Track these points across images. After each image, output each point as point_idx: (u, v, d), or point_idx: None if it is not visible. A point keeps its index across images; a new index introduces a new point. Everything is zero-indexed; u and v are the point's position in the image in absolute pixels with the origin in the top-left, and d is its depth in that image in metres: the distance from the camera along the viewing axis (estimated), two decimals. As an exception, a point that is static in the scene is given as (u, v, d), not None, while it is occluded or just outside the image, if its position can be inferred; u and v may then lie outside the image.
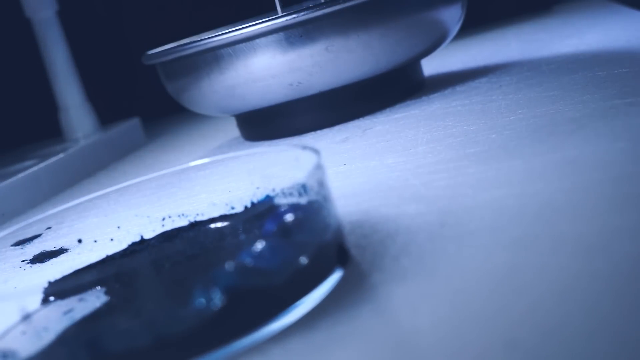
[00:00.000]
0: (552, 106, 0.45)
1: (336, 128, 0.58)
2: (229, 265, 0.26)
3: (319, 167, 0.30)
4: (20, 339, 0.27)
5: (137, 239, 0.37)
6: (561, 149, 0.36)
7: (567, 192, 0.31)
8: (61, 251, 0.38)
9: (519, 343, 0.22)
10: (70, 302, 0.28)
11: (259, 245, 0.27)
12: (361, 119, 0.58)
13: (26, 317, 0.27)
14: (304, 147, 0.32)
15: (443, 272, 0.27)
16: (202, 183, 0.38)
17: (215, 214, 0.37)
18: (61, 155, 0.70)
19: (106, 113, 0.88)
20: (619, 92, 0.44)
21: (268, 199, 0.33)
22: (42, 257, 0.38)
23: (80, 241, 0.37)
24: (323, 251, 0.29)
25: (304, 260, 0.28)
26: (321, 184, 0.29)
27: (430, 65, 0.69)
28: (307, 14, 0.55)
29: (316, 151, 0.31)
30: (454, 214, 0.32)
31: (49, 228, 0.38)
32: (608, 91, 0.45)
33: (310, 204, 0.29)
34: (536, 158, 0.36)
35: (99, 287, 0.27)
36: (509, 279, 0.26)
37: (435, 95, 0.59)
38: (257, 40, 0.56)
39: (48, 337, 0.27)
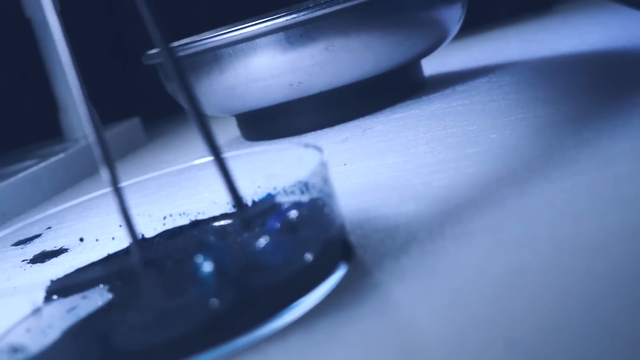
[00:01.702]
0: (552, 106, 0.45)
1: (336, 128, 0.58)
2: (232, 263, 0.26)
3: (322, 164, 0.30)
4: (25, 336, 0.27)
5: (139, 237, 0.37)
6: (561, 149, 0.36)
7: (567, 192, 0.31)
8: (62, 251, 0.38)
9: (519, 343, 0.22)
10: (74, 299, 0.28)
11: (263, 242, 0.27)
12: (361, 119, 0.58)
13: (31, 315, 0.27)
14: (306, 145, 0.32)
15: (443, 272, 0.27)
16: (203, 182, 0.38)
17: (217, 213, 0.37)
18: (61, 155, 0.70)
19: (106, 113, 0.87)
20: (619, 92, 0.45)
21: (270, 196, 0.33)
22: (42, 257, 0.38)
23: (82, 240, 0.37)
24: (327, 247, 0.29)
25: (308, 256, 0.28)
26: (325, 180, 0.30)
27: (430, 65, 0.69)
28: (307, 13, 0.55)
29: (319, 148, 0.31)
30: (454, 214, 0.32)
31: (50, 228, 0.38)
32: (608, 91, 0.45)
33: (313, 200, 0.29)
34: (536, 158, 0.36)
35: (102, 285, 0.27)
36: (509, 279, 0.26)
37: (435, 95, 0.59)
38: (257, 40, 0.56)
39: (53, 334, 0.27)
